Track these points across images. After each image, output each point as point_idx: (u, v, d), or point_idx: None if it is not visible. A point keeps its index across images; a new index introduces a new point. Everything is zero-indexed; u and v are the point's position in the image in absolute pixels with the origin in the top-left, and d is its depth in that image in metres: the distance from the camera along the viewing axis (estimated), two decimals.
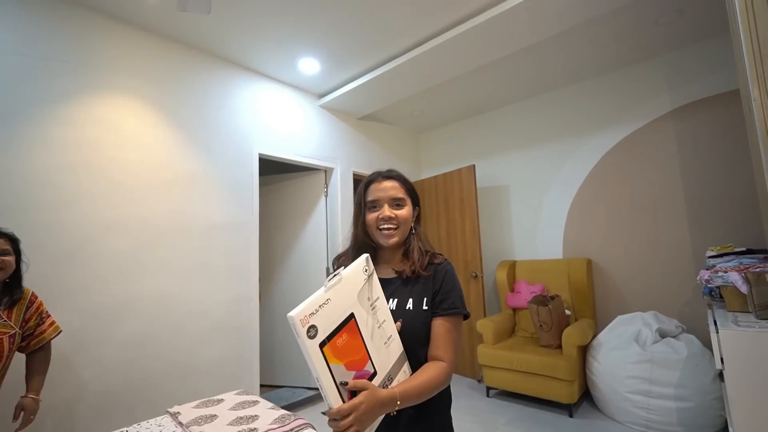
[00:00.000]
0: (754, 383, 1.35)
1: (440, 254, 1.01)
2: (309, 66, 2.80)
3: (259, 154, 2.80)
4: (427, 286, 0.94)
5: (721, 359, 1.43)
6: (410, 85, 3.01)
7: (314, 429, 1.36)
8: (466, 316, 0.93)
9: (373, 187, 0.98)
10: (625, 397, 2.30)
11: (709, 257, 2.28)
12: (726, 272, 1.83)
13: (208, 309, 2.40)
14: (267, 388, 3.26)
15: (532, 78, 3.18)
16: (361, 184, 1.02)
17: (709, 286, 2.01)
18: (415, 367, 0.88)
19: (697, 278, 2.22)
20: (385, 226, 0.95)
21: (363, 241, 1.00)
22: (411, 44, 2.57)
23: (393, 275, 0.98)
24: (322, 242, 3.34)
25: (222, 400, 1.64)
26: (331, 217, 3.35)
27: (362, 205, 0.99)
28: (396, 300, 0.93)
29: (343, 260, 1.02)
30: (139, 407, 2.05)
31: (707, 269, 2.06)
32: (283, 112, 3.02)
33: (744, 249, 2.15)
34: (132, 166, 2.17)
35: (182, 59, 2.44)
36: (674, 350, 2.25)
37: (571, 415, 2.49)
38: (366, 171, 3.64)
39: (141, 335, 2.11)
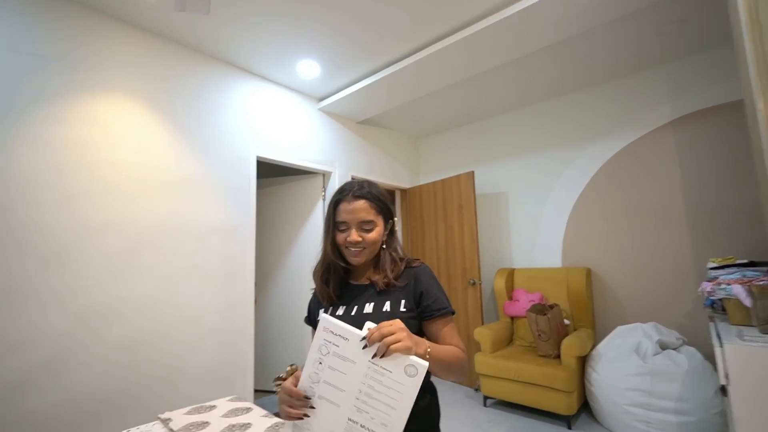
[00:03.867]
0: (760, 399, 1.32)
1: (416, 259, 1.02)
2: (308, 69, 2.78)
3: (257, 157, 2.77)
4: (407, 289, 0.95)
5: (726, 374, 1.40)
6: (410, 90, 3.00)
7: None
8: (453, 313, 0.95)
9: (342, 207, 0.96)
10: (624, 409, 2.26)
11: (711, 269, 2.26)
12: (729, 284, 1.81)
13: (202, 313, 2.36)
14: (261, 394, 3.21)
15: (533, 85, 3.17)
16: (331, 201, 1.00)
17: (711, 298, 1.98)
18: None
19: (699, 290, 2.20)
20: (352, 247, 0.95)
21: (332, 260, 0.99)
22: (411, 49, 2.56)
23: (366, 282, 1.00)
24: (318, 246, 3.29)
25: (214, 406, 1.60)
26: None
27: (331, 223, 0.98)
28: (373, 303, 0.94)
29: (316, 276, 1.03)
30: (129, 413, 1.99)
31: (709, 281, 2.04)
32: (282, 115, 2.99)
33: (746, 261, 2.14)
34: (126, 167, 2.13)
35: (179, 60, 2.42)
36: (675, 363, 2.22)
37: (569, 427, 2.45)
38: (365, 175, 3.61)
39: (132, 339, 2.06)
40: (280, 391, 0.80)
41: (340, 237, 0.97)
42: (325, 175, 3.38)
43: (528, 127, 3.57)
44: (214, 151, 2.52)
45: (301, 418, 0.76)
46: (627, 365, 2.31)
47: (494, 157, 3.78)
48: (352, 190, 0.96)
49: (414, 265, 0.99)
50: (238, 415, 1.51)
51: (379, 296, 0.94)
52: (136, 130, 2.19)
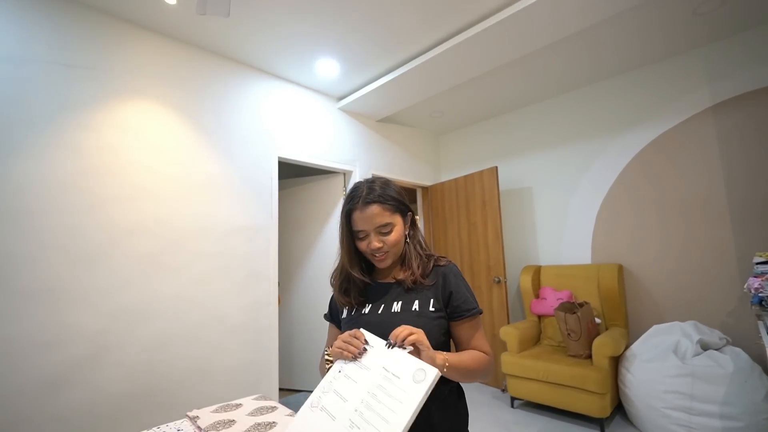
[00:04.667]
0: None
1: (443, 257, 0.99)
2: (328, 68, 2.78)
3: (279, 158, 2.79)
4: (435, 288, 0.92)
5: None
6: (430, 86, 2.95)
7: None
8: (480, 313, 0.94)
9: (356, 216, 0.92)
10: (663, 413, 2.14)
11: (757, 263, 2.11)
12: None
13: (226, 313, 2.40)
14: (285, 392, 3.24)
15: (557, 76, 3.05)
16: (342, 211, 0.96)
17: (759, 295, 1.85)
18: None
19: (744, 286, 2.05)
20: (376, 253, 0.93)
21: (349, 271, 0.96)
22: (430, 44, 2.51)
23: (392, 281, 0.97)
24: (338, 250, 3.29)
25: (240, 405, 1.62)
26: None
27: (349, 233, 0.95)
28: (400, 302, 0.92)
29: (335, 285, 1.02)
30: (159, 410, 2.05)
31: (756, 276, 1.90)
32: (303, 114, 3.01)
33: None
34: (153, 169, 2.19)
35: (202, 63, 2.46)
36: (719, 364, 2.08)
37: (602, 430, 2.34)
38: (385, 173, 3.58)
39: (161, 338, 2.12)
40: (342, 333, 0.82)
41: (362, 245, 0.94)
42: (345, 175, 3.37)
43: (552, 119, 3.44)
44: (236, 153, 2.56)
45: (356, 356, 0.78)
46: (665, 366, 2.19)
47: (517, 151, 3.67)
48: (362, 196, 0.91)
49: (442, 263, 0.96)
50: (263, 414, 1.51)
51: (407, 294, 0.92)
52: (162, 133, 2.24)
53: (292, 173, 3.73)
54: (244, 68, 2.68)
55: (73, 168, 1.92)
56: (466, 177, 3.61)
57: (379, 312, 0.91)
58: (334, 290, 1.02)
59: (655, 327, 2.48)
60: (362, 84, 3.05)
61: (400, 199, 0.96)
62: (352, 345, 0.77)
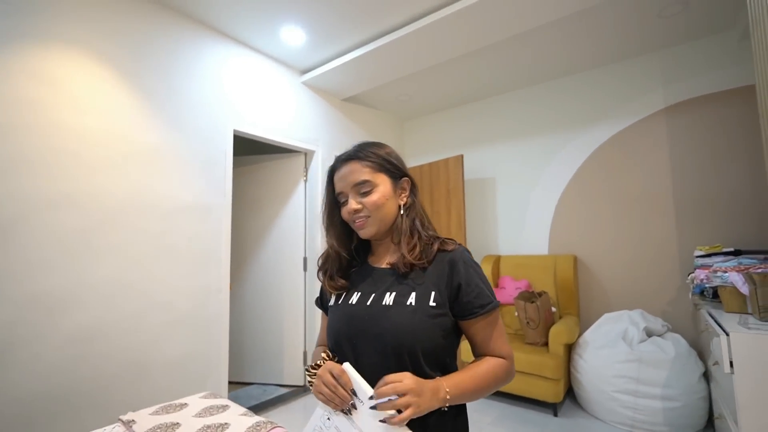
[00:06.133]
0: (765, 387, 1.29)
1: (451, 239, 0.83)
2: (293, 36, 2.55)
3: (234, 131, 2.53)
4: (439, 278, 0.76)
5: (731, 363, 1.36)
6: (400, 66, 2.82)
7: None
8: (497, 307, 0.78)
9: (336, 178, 0.83)
10: (611, 396, 2.26)
11: (697, 257, 2.26)
12: (725, 272, 1.79)
13: (170, 300, 2.14)
14: (235, 386, 3.03)
15: (526, 67, 3.07)
16: (327, 175, 0.87)
17: (703, 285, 1.98)
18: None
19: (690, 277, 2.19)
20: (354, 218, 0.80)
21: (331, 248, 0.87)
22: (404, 20, 2.38)
23: (388, 266, 0.83)
24: (299, 230, 3.11)
25: (186, 404, 1.43)
26: (310, 204, 3.13)
27: (330, 201, 0.85)
28: (393, 293, 0.76)
29: (322, 267, 0.89)
30: (86, 413, 1.78)
31: (703, 268, 2.03)
32: (262, 86, 2.75)
33: (732, 250, 2.14)
34: (82, 133, 1.86)
35: (149, 15, 2.14)
36: (662, 350, 2.22)
37: (555, 414, 2.43)
38: None
39: (90, 329, 1.83)
40: (323, 369, 0.71)
41: (343, 211, 0.82)
42: (307, 155, 3.17)
43: (518, 111, 3.48)
44: (186, 121, 2.27)
45: (345, 411, 0.67)
46: (615, 352, 2.30)
47: (482, 141, 3.68)
48: (341, 156, 0.84)
49: (449, 248, 0.80)
50: (213, 414, 1.34)
51: (403, 284, 0.77)
52: (93, 90, 1.91)
53: (249, 150, 3.44)
54: (199, 27, 2.37)
55: None
56: (431, 164, 3.56)
57: (368, 303, 0.78)
58: (319, 272, 0.89)
59: (605, 315, 2.60)
60: (329, 58, 2.85)
61: (388, 159, 0.83)
62: (338, 396, 0.67)
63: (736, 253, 2.11)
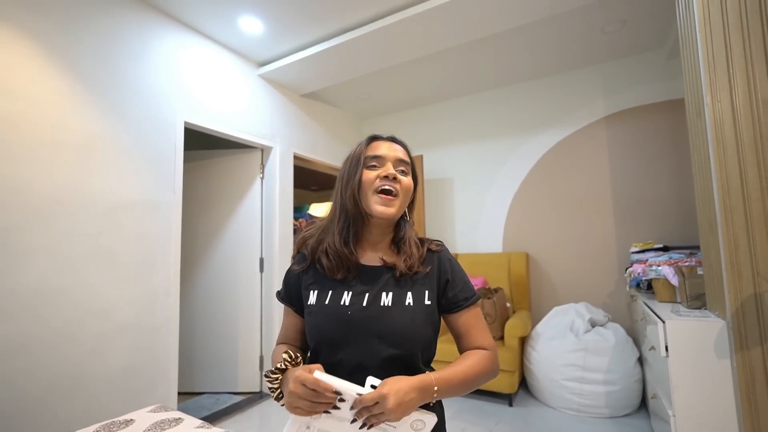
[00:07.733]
0: (695, 367, 1.44)
1: (435, 240, 0.86)
2: (251, 26, 2.43)
3: (185, 123, 2.36)
4: (430, 277, 0.79)
5: (666, 347, 1.51)
6: (361, 64, 2.80)
7: None
8: (480, 299, 0.84)
9: (378, 143, 0.80)
10: (560, 384, 2.41)
11: (633, 252, 2.48)
12: (659, 266, 1.98)
13: (111, 307, 1.95)
14: (184, 396, 2.83)
15: (483, 72, 3.19)
16: (362, 142, 0.83)
17: (640, 278, 2.17)
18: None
19: (628, 271, 2.40)
20: (387, 186, 0.75)
21: (354, 210, 0.77)
22: (368, 17, 2.36)
23: (379, 264, 0.79)
24: (255, 229, 2.98)
25: (132, 420, 1.30)
26: (267, 202, 3.01)
27: (359, 161, 0.78)
28: (391, 294, 0.75)
29: (309, 242, 0.82)
30: None
31: (639, 263, 2.23)
32: (217, 77, 2.60)
33: (661, 246, 2.38)
34: (5, 119, 1.63)
35: None
36: (604, 338, 2.41)
37: (510, 404, 2.55)
38: (308, 154, 3.35)
39: (15, 343, 1.61)
40: (293, 382, 0.62)
41: (370, 175, 0.76)
42: (264, 151, 3.05)
43: (476, 114, 3.60)
44: (130, 111, 2.08)
45: (325, 412, 0.62)
46: (563, 343, 2.46)
47: (440, 142, 3.77)
48: (383, 135, 0.84)
49: (434, 248, 0.83)
50: (165, 429, 1.24)
51: (399, 284, 0.77)
52: (19, 72, 1.69)
53: (202, 144, 3.23)
54: (145, 8, 2.18)
55: None
56: None
57: (365, 304, 0.74)
58: (307, 253, 0.81)
59: (555, 308, 2.77)
60: (288, 51, 2.76)
61: (414, 164, 0.86)
62: (321, 401, 0.60)
63: (665, 248, 2.35)
